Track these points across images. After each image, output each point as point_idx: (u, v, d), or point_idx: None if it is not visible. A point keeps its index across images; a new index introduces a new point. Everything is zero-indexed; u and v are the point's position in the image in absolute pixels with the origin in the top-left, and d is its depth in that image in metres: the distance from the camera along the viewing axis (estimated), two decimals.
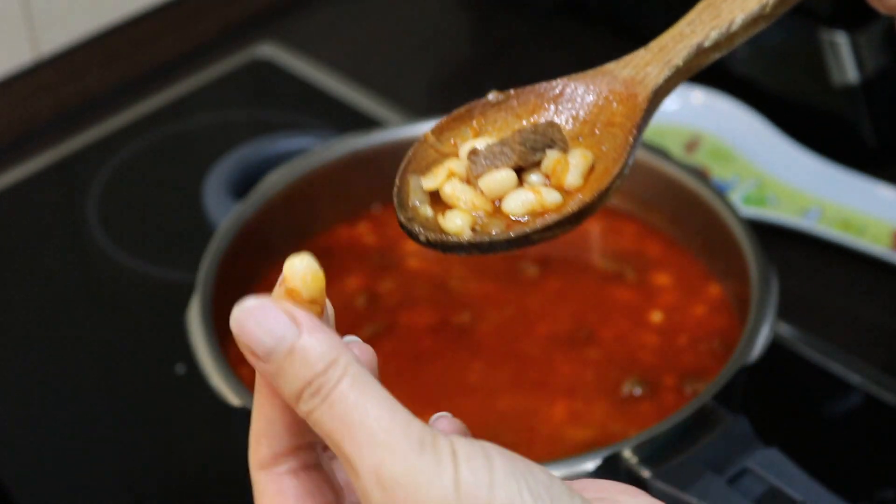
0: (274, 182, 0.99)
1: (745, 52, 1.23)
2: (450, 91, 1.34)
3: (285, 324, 0.50)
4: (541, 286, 0.99)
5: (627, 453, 0.80)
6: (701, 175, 0.99)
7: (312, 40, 1.39)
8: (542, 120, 0.64)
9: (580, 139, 0.63)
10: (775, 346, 0.96)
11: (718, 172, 1.19)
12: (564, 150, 0.62)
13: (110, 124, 1.30)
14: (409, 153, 0.63)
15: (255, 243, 0.97)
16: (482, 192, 0.61)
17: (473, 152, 0.62)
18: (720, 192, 0.97)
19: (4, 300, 1.14)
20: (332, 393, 0.49)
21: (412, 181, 0.62)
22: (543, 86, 0.64)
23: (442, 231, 0.60)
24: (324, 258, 1.01)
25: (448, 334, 0.95)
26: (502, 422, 0.89)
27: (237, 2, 1.40)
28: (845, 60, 1.17)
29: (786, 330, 1.06)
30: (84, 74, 1.31)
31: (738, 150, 1.21)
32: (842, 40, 1.17)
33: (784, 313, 1.03)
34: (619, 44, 1.35)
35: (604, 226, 1.02)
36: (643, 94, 0.62)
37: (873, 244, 1.11)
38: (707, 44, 0.64)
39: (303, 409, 0.50)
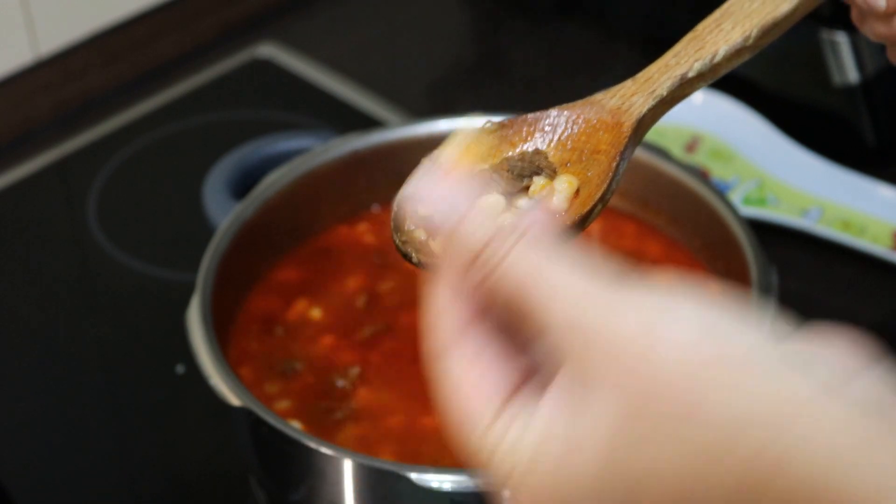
0: (274, 182, 0.99)
1: None
2: (450, 91, 1.34)
3: (467, 186, 0.52)
4: None
5: None
6: (701, 175, 0.99)
7: (312, 40, 1.39)
8: (533, 147, 0.66)
9: (568, 165, 0.65)
10: None
11: (718, 172, 1.19)
12: (551, 176, 0.64)
13: (110, 124, 1.30)
14: (409, 179, 0.64)
15: (255, 243, 0.97)
16: None
17: None
18: (720, 192, 0.97)
19: (4, 300, 1.14)
20: (523, 240, 0.49)
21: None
22: (535, 115, 0.67)
23: (434, 254, 0.61)
24: (324, 258, 1.02)
25: None
26: None
27: (237, 2, 1.40)
28: (845, 60, 1.17)
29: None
30: (84, 74, 1.31)
31: (738, 150, 1.21)
32: (842, 40, 1.17)
33: (784, 313, 1.03)
34: (617, 44, 1.36)
35: (604, 226, 1.02)
36: (628, 122, 0.65)
37: (873, 244, 1.11)
38: (691, 74, 0.67)
39: (490, 262, 0.49)
